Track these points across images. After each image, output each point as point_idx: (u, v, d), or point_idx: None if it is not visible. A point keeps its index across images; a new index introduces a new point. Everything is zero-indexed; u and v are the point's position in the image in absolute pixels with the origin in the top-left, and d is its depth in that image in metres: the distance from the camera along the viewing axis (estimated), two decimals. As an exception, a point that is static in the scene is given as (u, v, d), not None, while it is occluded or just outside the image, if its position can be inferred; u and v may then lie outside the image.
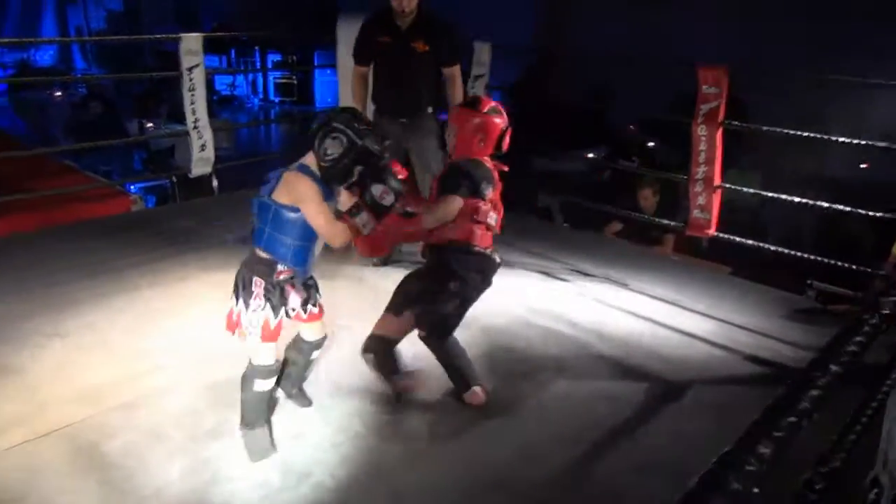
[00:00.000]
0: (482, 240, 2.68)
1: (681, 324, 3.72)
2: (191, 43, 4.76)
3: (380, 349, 2.76)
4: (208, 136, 5.00)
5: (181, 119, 9.56)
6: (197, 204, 5.64)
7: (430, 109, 4.07)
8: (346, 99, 5.43)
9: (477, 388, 2.83)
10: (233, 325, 2.41)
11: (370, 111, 4.05)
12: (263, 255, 2.37)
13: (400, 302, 2.75)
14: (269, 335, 2.39)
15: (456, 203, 2.60)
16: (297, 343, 2.67)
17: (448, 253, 2.68)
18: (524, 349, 3.40)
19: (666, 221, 4.70)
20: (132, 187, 6.95)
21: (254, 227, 2.39)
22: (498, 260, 2.77)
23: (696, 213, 4.19)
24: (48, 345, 3.25)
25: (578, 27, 9.90)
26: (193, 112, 4.86)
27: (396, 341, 2.79)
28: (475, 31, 5.14)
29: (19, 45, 12.82)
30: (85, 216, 5.18)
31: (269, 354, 2.43)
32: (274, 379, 2.49)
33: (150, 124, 9.64)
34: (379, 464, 2.53)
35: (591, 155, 8.00)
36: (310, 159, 2.34)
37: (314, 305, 2.53)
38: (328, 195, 2.35)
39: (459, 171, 2.66)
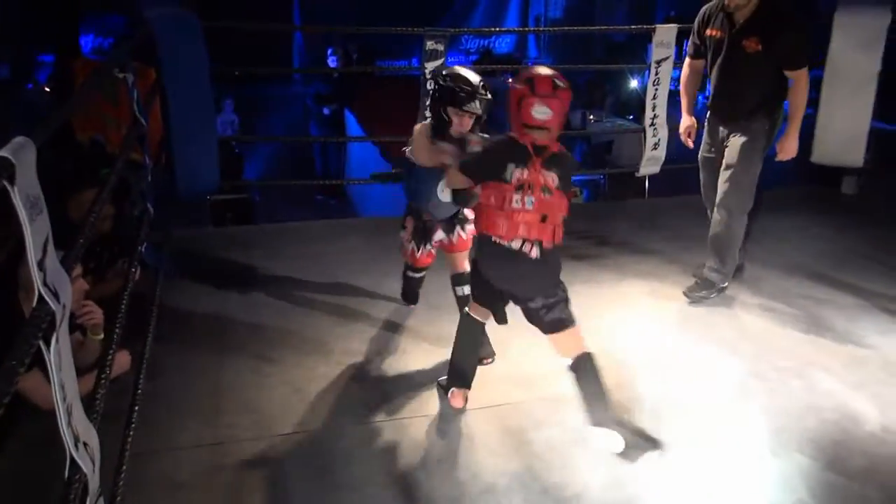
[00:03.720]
0: (504, 226, 2.59)
1: None
2: (664, 35, 4.89)
3: (462, 331, 3.01)
4: (663, 134, 5.10)
5: (623, 113, 10.02)
6: (630, 205, 5.86)
7: (758, 118, 3.67)
8: (829, 101, 5.04)
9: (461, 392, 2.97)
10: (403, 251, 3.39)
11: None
12: (412, 204, 3.28)
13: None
14: (416, 260, 3.41)
15: (455, 179, 2.74)
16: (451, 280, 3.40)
17: (478, 242, 2.79)
18: None
19: None
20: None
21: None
22: (526, 250, 2.59)
23: None
24: (492, 327, 3.68)
25: None
26: (654, 108, 4.99)
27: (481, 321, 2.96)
28: None
29: (485, 34, 14.78)
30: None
31: (418, 266, 3.51)
32: (419, 274, 3.62)
33: (591, 117, 10.22)
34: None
35: None
36: None
37: (454, 235, 3.25)
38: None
39: (485, 151, 2.73)
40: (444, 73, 3.03)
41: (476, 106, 2.92)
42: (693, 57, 3.92)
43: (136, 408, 2.36)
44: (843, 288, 4.14)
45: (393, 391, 3.09)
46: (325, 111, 8.75)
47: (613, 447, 2.70)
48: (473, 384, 3.12)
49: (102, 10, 11.84)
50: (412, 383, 3.15)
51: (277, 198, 8.11)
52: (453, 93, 2.92)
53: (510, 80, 2.94)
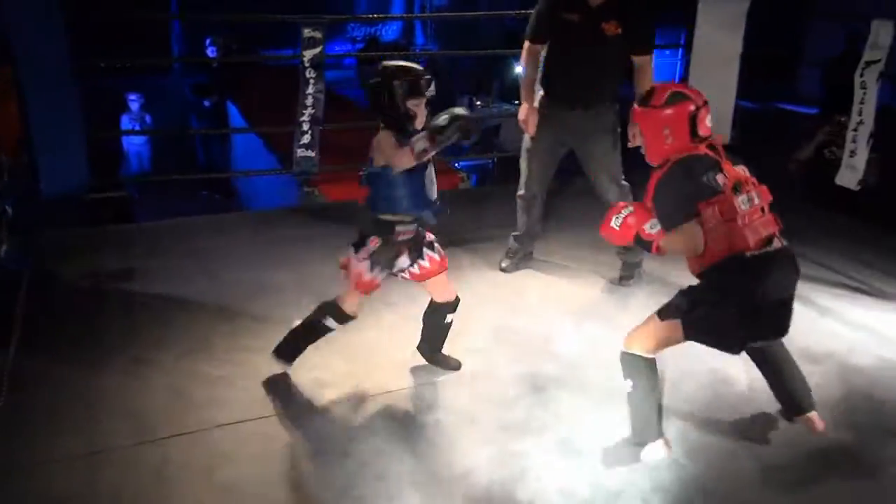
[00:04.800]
0: (750, 236, 2.37)
1: None
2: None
3: (641, 378, 2.55)
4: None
5: (510, 99, 10.17)
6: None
7: (610, 102, 3.77)
8: (697, 81, 5.29)
9: (657, 444, 2.60)
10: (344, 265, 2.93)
11: (537, 95, 3.88)
12: (385, 217, 2.81)
13: (667, 308, 2.54)
14: (363, 285, 2.85)
15: (695, 234, 2.38)
16: (431, 305, 3.06)
17: (715, 274, 2.44)
18: (895, 402, 3.01)
19: None
20: (457, 164, 7.54)
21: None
22: (780, 245, 2.45)
23: None
24: (377, 310, 3.69)
25: None
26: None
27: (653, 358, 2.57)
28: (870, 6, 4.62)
29: (370, 21, 14.62)
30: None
31: (352, 303, 2.92)
32: (342, 325, 2.96)
33: (479, 102, 10.33)
34: (697, 502, 2.45)
35: None
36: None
37: (424, 260, 2.92)
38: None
39: (674, 191, 2.44)
40: (387, 70, 2.76)
41: (432, 88, 2.81)
42: (534, 41, 3.80)
43: (-2, 422, 2.24)
44: (715, 258, 4.37)
45: (279, 387, 3.04)
46: (206, 103, 8.48)
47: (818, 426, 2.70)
48: (361, 372, 3.13)
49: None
50: (298, 378, 3.10)
51: (159, 195, 7.81)
52: (411, 84, 2.73)
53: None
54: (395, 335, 3.46)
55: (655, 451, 2.58)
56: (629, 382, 2.56)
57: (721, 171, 2.40)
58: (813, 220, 5.00)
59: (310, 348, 3.30)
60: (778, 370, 2.71)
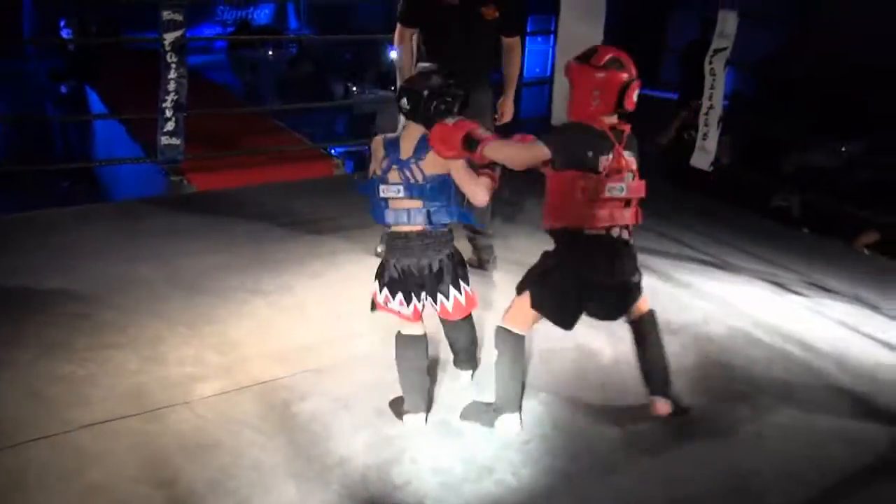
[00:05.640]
0: (597, 219, 2.50)
1: (948, 363, 3.36)
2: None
3: (506, 350, 2.70)
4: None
5: (385, 84, 10.20)
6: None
7: (487, 83, 3.90)
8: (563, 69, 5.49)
9: (513, 416, 2.75)
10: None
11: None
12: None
13: (521, 283, 2.73)
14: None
15: (535, 154, 2.46)
16: None
17: (558, 238, 2.61)
18: (743, 367, 3.26)
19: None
20: (333, 151, 7.50)
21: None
22: (623, 237, 2.58)
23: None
24: (250, 301, 3.65)
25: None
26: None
27: (522, 335, 2.71)
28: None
29: (239, 4, 14.23)
30: (290, 177, 5.71)
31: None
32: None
33: (354, 88, 10.30)
34: (566, 470, 2.58)
35: (844, 149, 7.33)
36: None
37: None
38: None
39: (565, 135, 2.52)
40: (437, 84, 2.61)
41: None
42: (407, 24, 3.79)
43: None
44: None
45: (148, 382, 2.96)
46: (63, 89, 8.04)
47: (663, 410, 2.82)
48: (234, 365, 3.09)
49: None
50: (169, 374, 3.03)
51: (13, 187, 7.35)
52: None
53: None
54: (270, 327, 3.43)
55: (509, 423, 2.73)
56: (496, 352, 2.72)
57: (610, 154, 2.47)
58: (671, 199, 5.30)
59: (181, 344, 3.24)
60: (640, 351, 2.86)
